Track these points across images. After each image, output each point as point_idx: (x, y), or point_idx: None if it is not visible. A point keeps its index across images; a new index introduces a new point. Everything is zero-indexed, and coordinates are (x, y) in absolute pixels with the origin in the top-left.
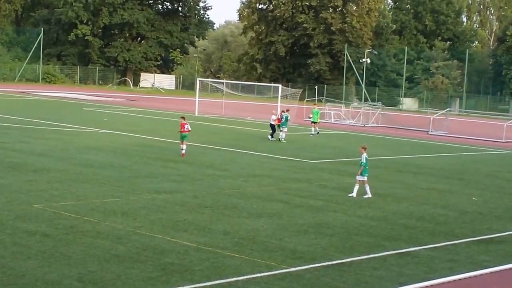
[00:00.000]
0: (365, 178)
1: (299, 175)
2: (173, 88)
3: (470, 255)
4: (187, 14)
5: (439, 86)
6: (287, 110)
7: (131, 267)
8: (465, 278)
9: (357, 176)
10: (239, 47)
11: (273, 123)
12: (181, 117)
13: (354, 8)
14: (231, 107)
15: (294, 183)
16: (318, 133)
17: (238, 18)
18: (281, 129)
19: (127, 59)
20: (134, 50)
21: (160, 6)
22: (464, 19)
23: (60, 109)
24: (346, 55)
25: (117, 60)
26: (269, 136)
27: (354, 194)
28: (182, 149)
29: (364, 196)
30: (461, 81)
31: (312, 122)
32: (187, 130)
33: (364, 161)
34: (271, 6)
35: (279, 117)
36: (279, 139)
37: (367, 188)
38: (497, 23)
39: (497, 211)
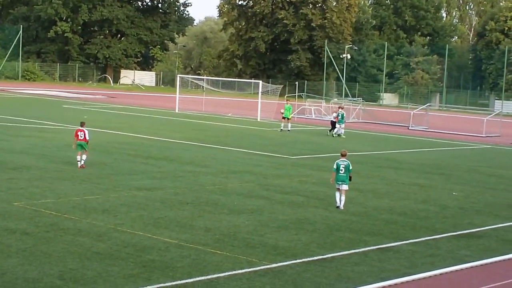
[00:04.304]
0: (339, 186)
1: (280, 171)
2: (154, 84)
3: (451, 249)
4: (167, 10)
5: (419, 81)
6: (342, 108)
7: (112, 265)
8: (446, 273)
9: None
10: (219, 43)
11: (333, 120)
12: (80, 122)
13: (334, 4)
14: (212, 104)
15: (275, 179)
16: (289, 130)
17: (218, 14)
18: (338, 125)
19: (107, 56)
20: (114, 47)
21: (139, 2)
22: (444, 14)
23: (40, 106)
24: (327, 51)
25: (97, 57)
26: (328, 131)
27: (337, 203)
28: (78, 160)
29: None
30: (441, 76)
31: (284, 117)
32: (82, 138)
33: (335, 167)
34: (250, 2)
35: (337, 114)
36: (338, 134)
37: (338, 196)
38: (476, 18)
39: (478, 206)
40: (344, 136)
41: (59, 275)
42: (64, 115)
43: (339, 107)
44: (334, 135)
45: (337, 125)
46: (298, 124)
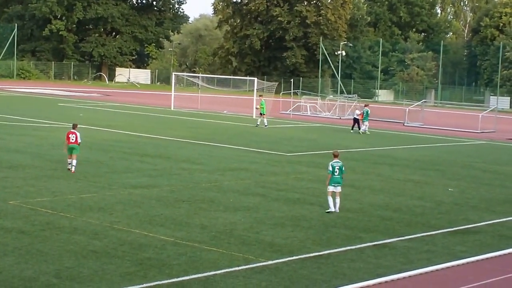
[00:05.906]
0: (334, 189)
1: (276, 168)
2: (149, 82)
3: (446, 245)
4: (162, 8)
5: (414, 77)
6: (366, 106)
7: (108, 263)
8: (441, 269)
9: (327, 187)
10: (214, 41)
11: (357, 117)
12: (72, 124)
13: (328, 1)
14: (207, 101)
15: (271, 176)
16: (257, 125)
17: (213, 12)
18: (364, 123)
19: (102, 54)
20: (109, 45)
21: (134, 0)
22: (439, 11)
23: (35, 105)
24: (322, 47)
25: (92, 55)
26: (351, 129)
27: (332, 208)
28: (69, 164)
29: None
30: (436, 72)
31: (261, 113)
32: (73, 141)
33: (330, 169)
34: None
35: (362, 112)
36: (361, 131)
37: (331, 201)
38: (471, 14)
39: (473, 202)
40: (368, 133)
41: (55, 274)
42: (59, 114)
43: (364, 105)
44: (353, 131)
45: (364, 122)
46: (294, 121)
